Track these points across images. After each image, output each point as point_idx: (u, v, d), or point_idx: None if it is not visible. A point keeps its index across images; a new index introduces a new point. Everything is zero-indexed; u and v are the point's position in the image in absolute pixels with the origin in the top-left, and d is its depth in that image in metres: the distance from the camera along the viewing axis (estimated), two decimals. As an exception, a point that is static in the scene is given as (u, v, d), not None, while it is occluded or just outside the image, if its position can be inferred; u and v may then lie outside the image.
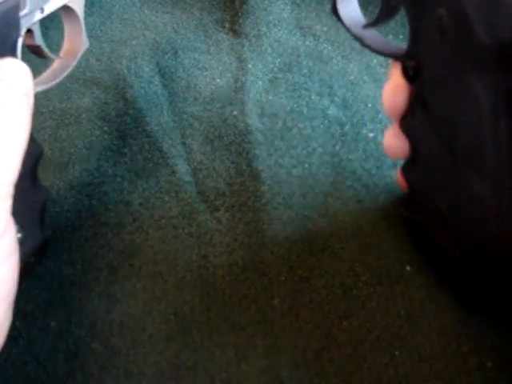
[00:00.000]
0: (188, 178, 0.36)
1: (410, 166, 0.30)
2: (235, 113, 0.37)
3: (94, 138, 0.38)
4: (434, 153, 0.27)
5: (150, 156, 0.37)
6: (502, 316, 0.30)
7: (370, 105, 0.36)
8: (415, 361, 0.30)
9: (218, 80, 0.38)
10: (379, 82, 0.36)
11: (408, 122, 0.28)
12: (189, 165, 0.36)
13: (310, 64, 0.37)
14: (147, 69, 0.39)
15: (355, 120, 0.35)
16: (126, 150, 0.37)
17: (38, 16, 0.29)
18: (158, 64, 0.39)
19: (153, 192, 0.34)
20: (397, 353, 0.30)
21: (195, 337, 0.32)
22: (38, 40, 0.31)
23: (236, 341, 0.32)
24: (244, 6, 0.40)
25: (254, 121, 0.36)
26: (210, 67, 0.38)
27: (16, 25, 0.27)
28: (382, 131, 0.35)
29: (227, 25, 0.40)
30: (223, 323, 0.32)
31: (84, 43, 0.33)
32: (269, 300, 0.32)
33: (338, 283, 0.32)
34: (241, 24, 0.39)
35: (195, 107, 0.37)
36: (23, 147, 0.25)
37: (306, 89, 0.37)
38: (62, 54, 0.33)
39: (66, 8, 0.32)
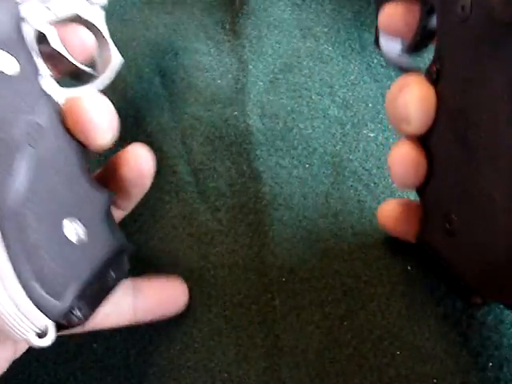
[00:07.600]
0: (188, 179, 0.36)
1: (425, 182, 0.28)
2: (236, 113, 0.37)
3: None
4: (451, 159, 0.26)
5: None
6: (503, 315, 0.30)
7: (370, 105, 0.36)
8: (416, 361, 0.30)
9: (219, 81, 0.38)
10: (380, 82, 0.36)
11: (434, 132, 0.27)
12: (189, 165, 0.36)
13: (311, 64, 0.37)
14: (147, 69, 0.39)
15: (356, 120, 0.35)
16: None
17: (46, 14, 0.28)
18: (158, 65, 0.39)
19: (153, 192, 0.34)
20: (398, 353, 0.30)
21: (196, 337, 0.32)
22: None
23: (237, 341, 0.32)
24: (244, 7, 0.40)
25: (254, 121, 0.36)
26: (210, 68, 0.38)
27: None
28: (383, 131, 0.35)
29: (228, 26, 0.40)
30: (224, 324, 0.32)
31: (113, 58, 0.31)
32: (269, 301, 0.32)
33: (338, 284, 0.32)
34: (241, 25, 0.39)
35: (196, 108, 0.37)
36: None
37: (306, 89, 0.36)
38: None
39: (83, 21, 0.30)
